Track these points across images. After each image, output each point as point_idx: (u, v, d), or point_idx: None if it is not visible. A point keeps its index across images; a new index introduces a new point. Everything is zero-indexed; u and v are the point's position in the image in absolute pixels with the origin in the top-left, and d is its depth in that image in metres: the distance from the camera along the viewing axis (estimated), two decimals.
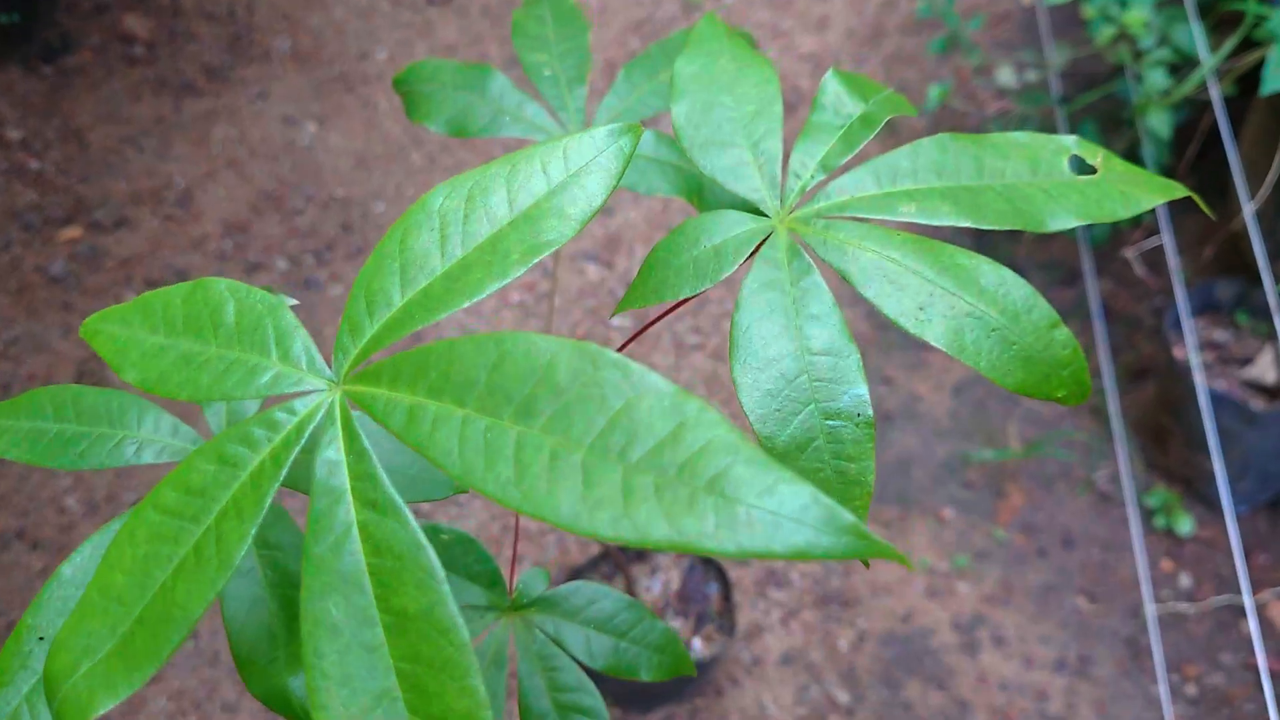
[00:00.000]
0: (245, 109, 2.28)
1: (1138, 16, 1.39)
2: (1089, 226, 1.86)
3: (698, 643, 1.49)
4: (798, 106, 2.20)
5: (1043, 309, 0.47)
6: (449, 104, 0.76)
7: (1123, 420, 1.74)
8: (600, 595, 0.63)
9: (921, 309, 0.46)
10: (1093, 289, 1.84)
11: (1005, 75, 1.85)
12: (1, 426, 0.54)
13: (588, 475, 0.35)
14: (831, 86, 0.53)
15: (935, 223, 0.49)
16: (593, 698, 0.61)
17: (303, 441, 0.41)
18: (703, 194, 0.72)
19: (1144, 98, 1.46)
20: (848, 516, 0.33)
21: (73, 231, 2.08)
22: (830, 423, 0.47)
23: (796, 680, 1.64)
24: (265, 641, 0.48)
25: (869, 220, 0.50)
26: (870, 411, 0.47)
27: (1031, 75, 1.83)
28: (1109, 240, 1.91)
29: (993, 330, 0.46)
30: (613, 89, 0.78)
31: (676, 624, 1.50)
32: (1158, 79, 1.44)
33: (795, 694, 1.62)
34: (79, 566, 0.50)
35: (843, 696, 1.62)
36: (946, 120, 2.13)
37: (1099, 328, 1.82)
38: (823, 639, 1.67)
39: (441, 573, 0.38)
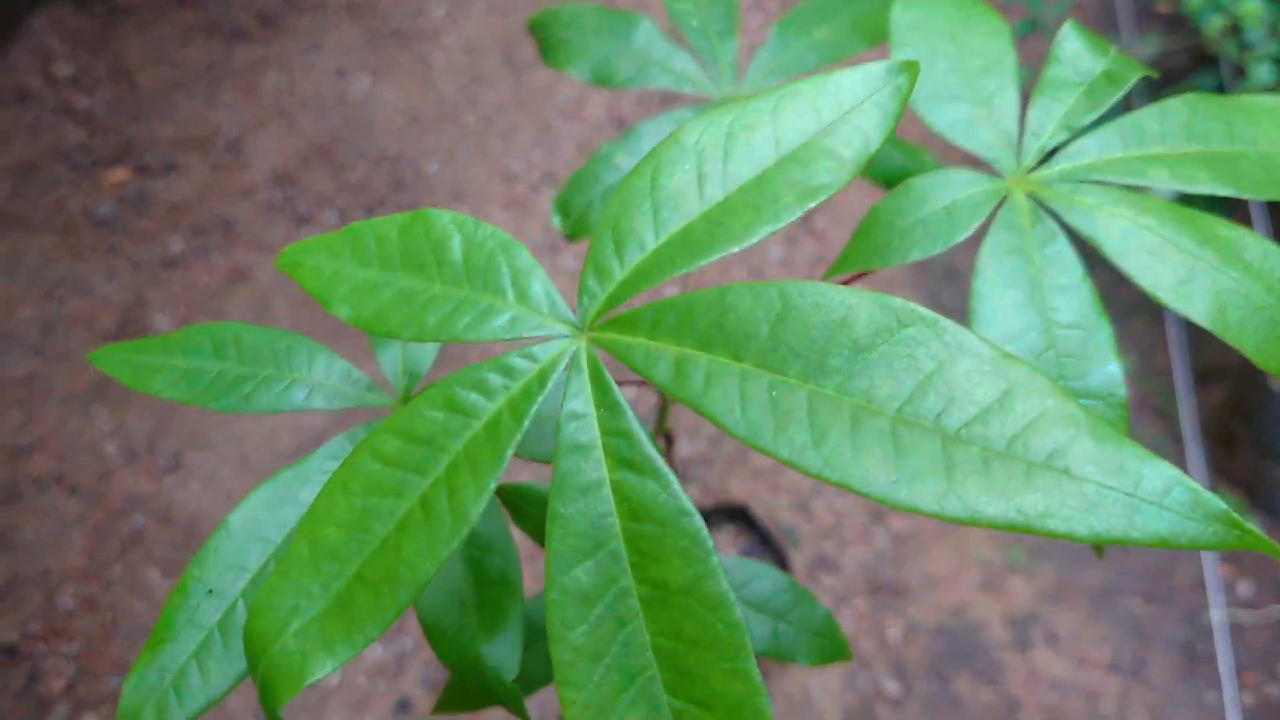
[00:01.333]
0: (297, 59, 2.23)
1: (1252, 8, 1.34)
2: None
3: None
4: None
5: None
6: (591, 51, 0.73)
7: (1194, 423, 1.70)
8: (758, 574, 0.60)
9: (1182, 283, 0.43)
10: None
11: None
12: (157, 364, 0.51)
13: (899, 443, 0.32)
14: (1069, 42, 0.50)
15: (1191, 190, 0.45)
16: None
17: (545, 392, 0.37)
18: (873, 162, 0.68)
19: (1247, 92, 1.42)
20: (1217, 503, 0.29)
21: (121, 174, 2.04)
22: (1081, 402, 0.44)
23: (845, 668, 1.61)
24: (455, 609, 0.45)
25: (1116, 184, 0.46)
26: (1124, 392, 0.44)
27: None
28: None
29: (1259, 309, 0.43)
30: (767, 44, 0.74)
31: None
32: (1264, 74, 1.39)
33: (843, 682, 1.60)
34: (248, 518, 0.46)
35: (891, 687, 1.59)
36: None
37: (1171, 327, 1.78)
38: (873, 628, 1.64)
39: (710, 543, 0.34)
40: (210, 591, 0.44)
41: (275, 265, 0.43)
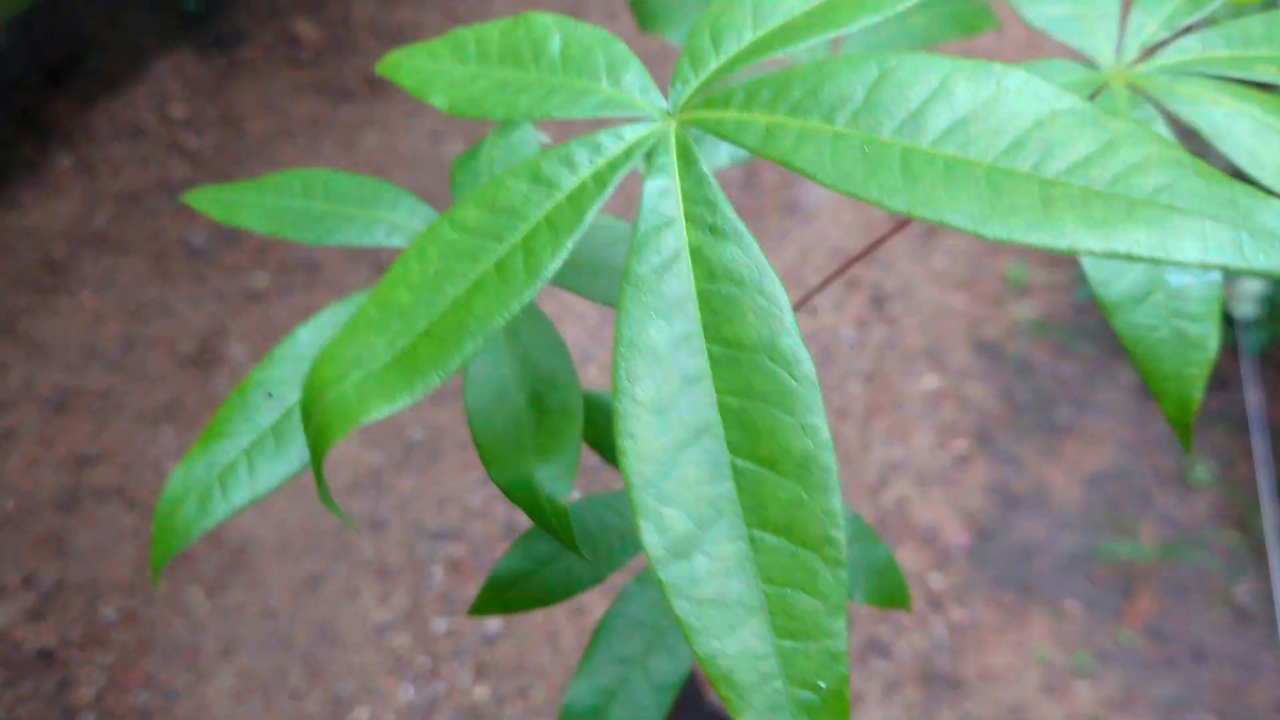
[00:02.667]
0: (397, 121, 2.32)
1: None
2: (1250, 332, 1.78)
3: None
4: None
5: None
6: (689, 15, 0.75)
7: (1278, 537, 1.63)
8: None
9: None
10: (1250, 399, 1.75)
11: None
12: (245, 201, 0.52)
13: (994, 184, 0.31)
14: None
15: None
16: None
17: (629, 164, 0.37)
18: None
19: None
20: None
21: None
22: (1173, 276, 0.42)
23: None
24: (511, 431, 0.44)
25: (1218, 77, 0.45)
26: (1220, 274, 0.42)
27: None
28: (1269, 350, 1.82)
29: None
30: None
31: None
32: None
33: None
34: (318, 329, 0.47)
35: None
36: None
37: (1256, 438, 1.73)
38: (924, 719, 1.56)
39: (788, 303, 0.33)
40: (270, 395, 0.44)
41: (376, 71, 0.44)
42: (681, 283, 0.35)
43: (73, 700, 1.63)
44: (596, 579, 0.56)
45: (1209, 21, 0.49)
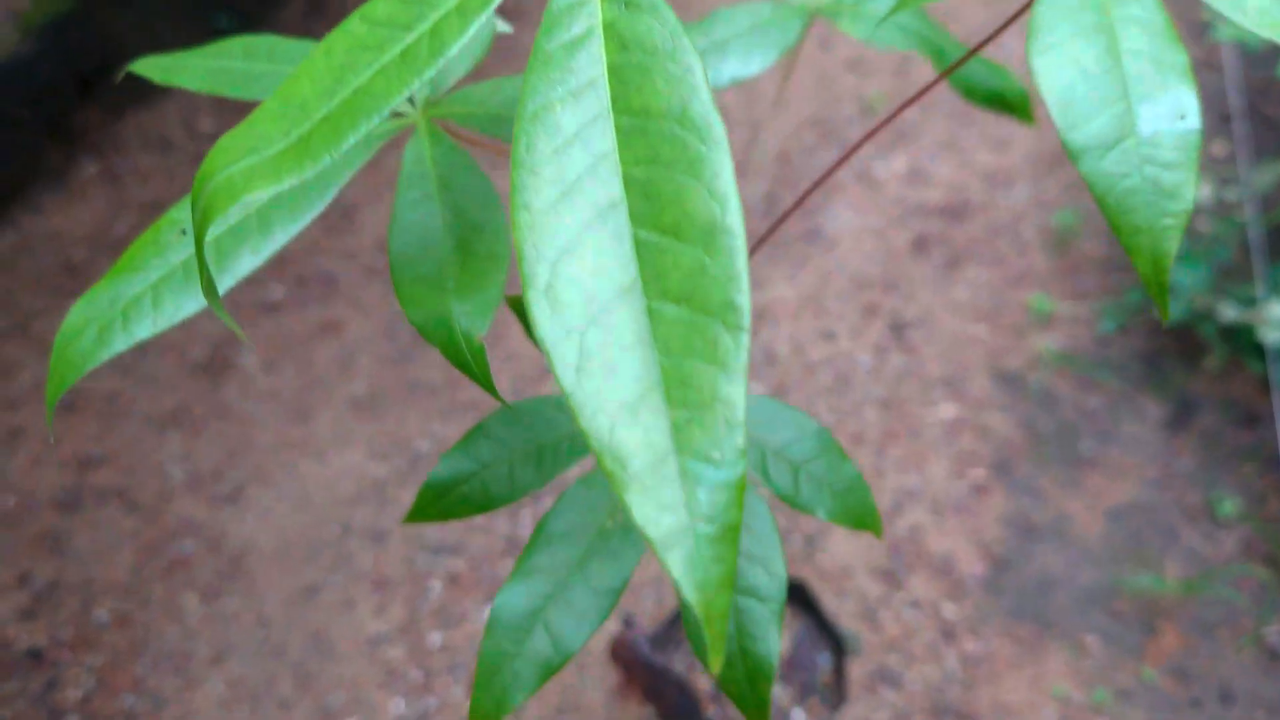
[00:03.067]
0: None
1: None
2: None
3: (799, 713, 1.34)
4: (963, 214, 2.14)
5: None
6: None
7: None
8: (781, 417, 0.54)
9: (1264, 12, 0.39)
10: None
11: (1202, 192, 1.77)
12: (186, 65, 0.50)
13: None
14: None
15: None
16: (764, 525, 0.51)
17: None
18: (944, 56, 0.66)
19: None
20: None
21: None
22: (1146, 123, 0.39)
23: None
24: (434, 273, 0.41)
25: None
26: (1198, 121, 0.39)
27: (1231, 194, 1.74)
28: None
29: None
30: None
31: (777, 690, 1.36)
32: None
33: None
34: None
35: None
36: None
37: None
38: None
39: (701, 70, 0.31)
40: (184, 232, 0.42)
41: None
42: (592, 59, 0.32)
43: (59, 701, 1.60)
44: (540, 482, 0.53)
45: None
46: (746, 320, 0.29)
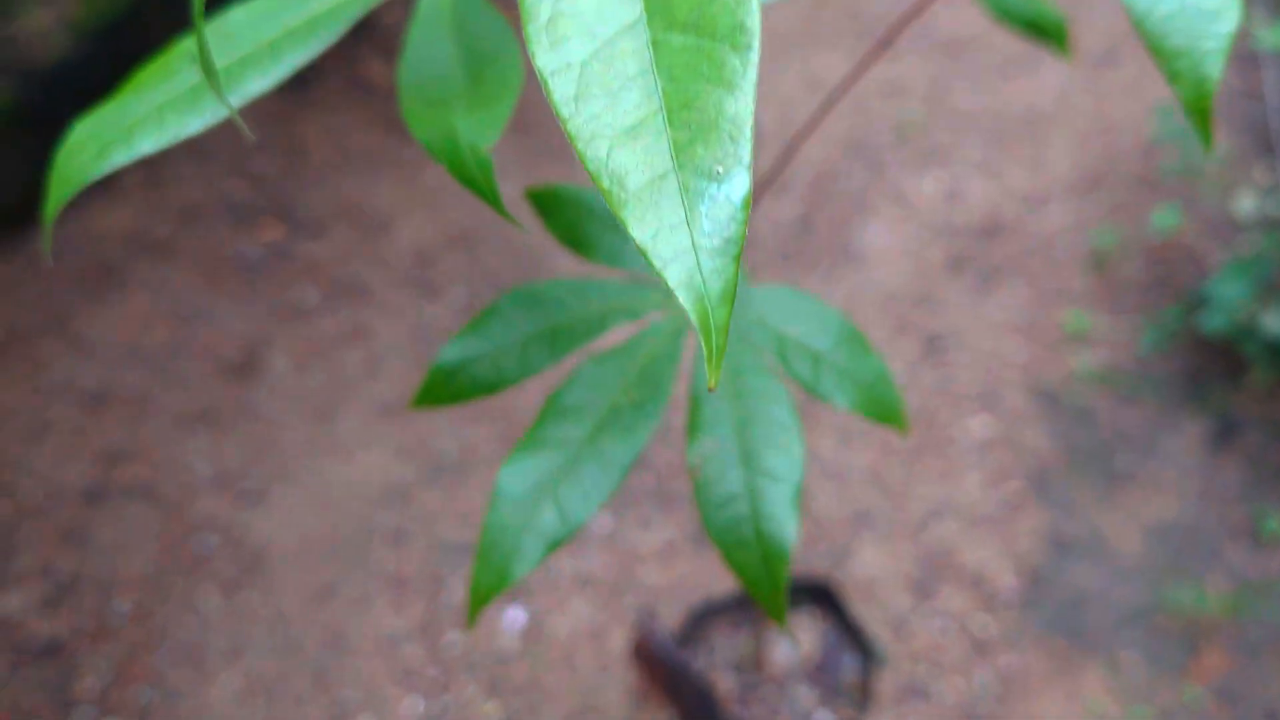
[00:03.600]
0: None
1: None
2: None
3: (823, 715, 1.29)
4: (1001, 233, 2.12)
5: None
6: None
7: None
8: (802, 307, 0.52)
9: None
10: None
11: (1245, 206, 1.74)
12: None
13: None
14: None
15: None
16: (781, 409, 0.49)
17: None
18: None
19: None
20: None
21: (274, 228, 2.16)
22: None
23: None
24: (441, 95, 0.40)
25: None
26: None
27: (1274, 208, 1.71)
28: None
29: None
30: None
31: (802, 691, 1.32)
32: None
33: None
34: (251, 13, 0.44)
35: None
36: (1176, 252, 2.01)
37: None
38: None
39: None
40: (193, 59, 0.41)
41: None
42: None
43: (76, 692, 1.58)
44: (553, 360, 0.51)
45: None
46: (756, 40, 0.27)
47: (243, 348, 1.98)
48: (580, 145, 0.27)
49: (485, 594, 0.48)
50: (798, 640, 1.36)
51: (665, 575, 1.65)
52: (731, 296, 0.26)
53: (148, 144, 0.41)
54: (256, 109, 2.30)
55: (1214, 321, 1.64)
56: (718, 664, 1.36)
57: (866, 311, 2.01)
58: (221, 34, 0.43)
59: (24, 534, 1.74)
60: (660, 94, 0.27)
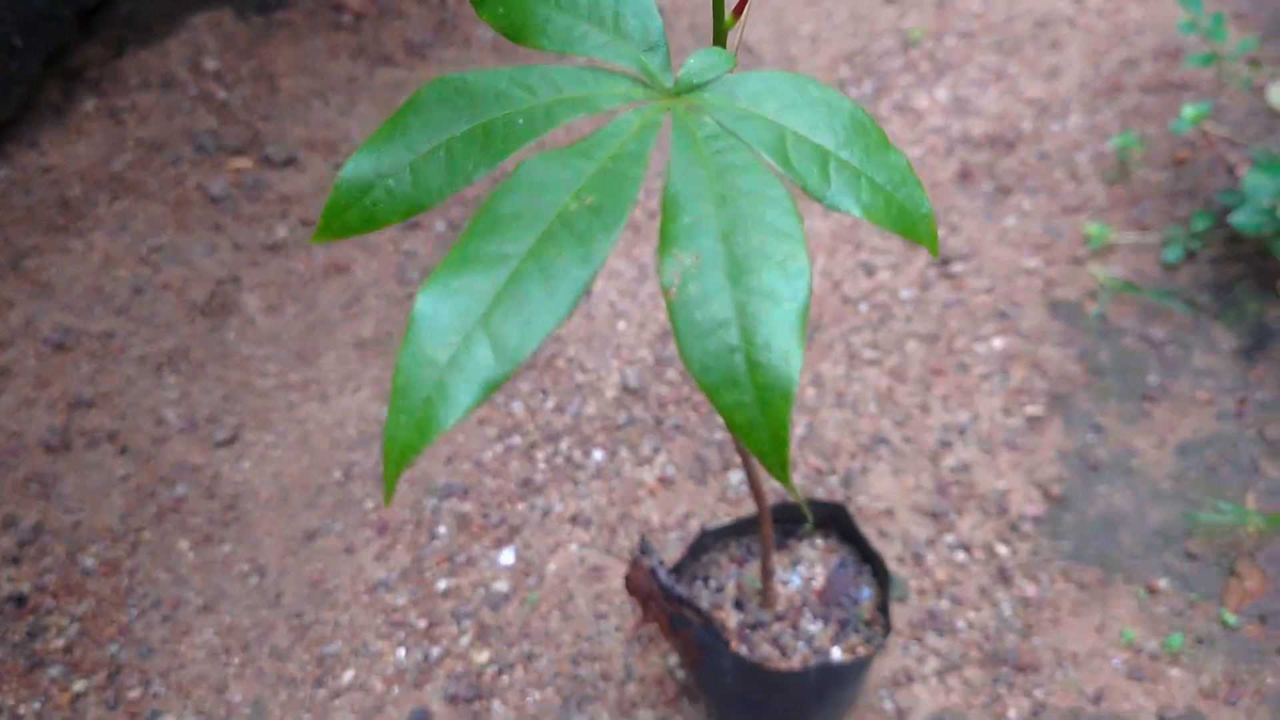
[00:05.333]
0: None
1: None
2: None
3: (837, 651, 1.19)
4: (1016, 144, 1.99)
5: None
6: None
7: None
8: (805, 95, 0.41)
9: None
10: None
11: (1277, 95, 1.61)
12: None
13: None
14: None
15: None
16: (780, 213, 0.38)
17: None
18: None
19: None
20: None
21: (242, 162, 2.03)
22: None
23: None
24: None
25: None
26: None
27: None
28: None
29: None
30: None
31: (814, 628, 1.22)
32: None
33: None
34: None
35: None
36: (1202, 156, 1.88)
37: None
38: (988, 705, 1.34)
39: None
40: None
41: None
42: None
43: (41, 649, 1.49)
44: (489, 164, 0.40)
45: None
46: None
47: (211, 287, 1.87)
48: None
49: (403, 453, 0.37)
50: (809, 573, 1.26)
51: (664, 512, 1.55)
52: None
53: None
54: (222, 35, 2.17)
55: (1246, 218, 1.51)
56: (721, 599, 1.25)
57: (874, 230, 1.89)
58: None
59: None
60: None
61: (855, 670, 1.18)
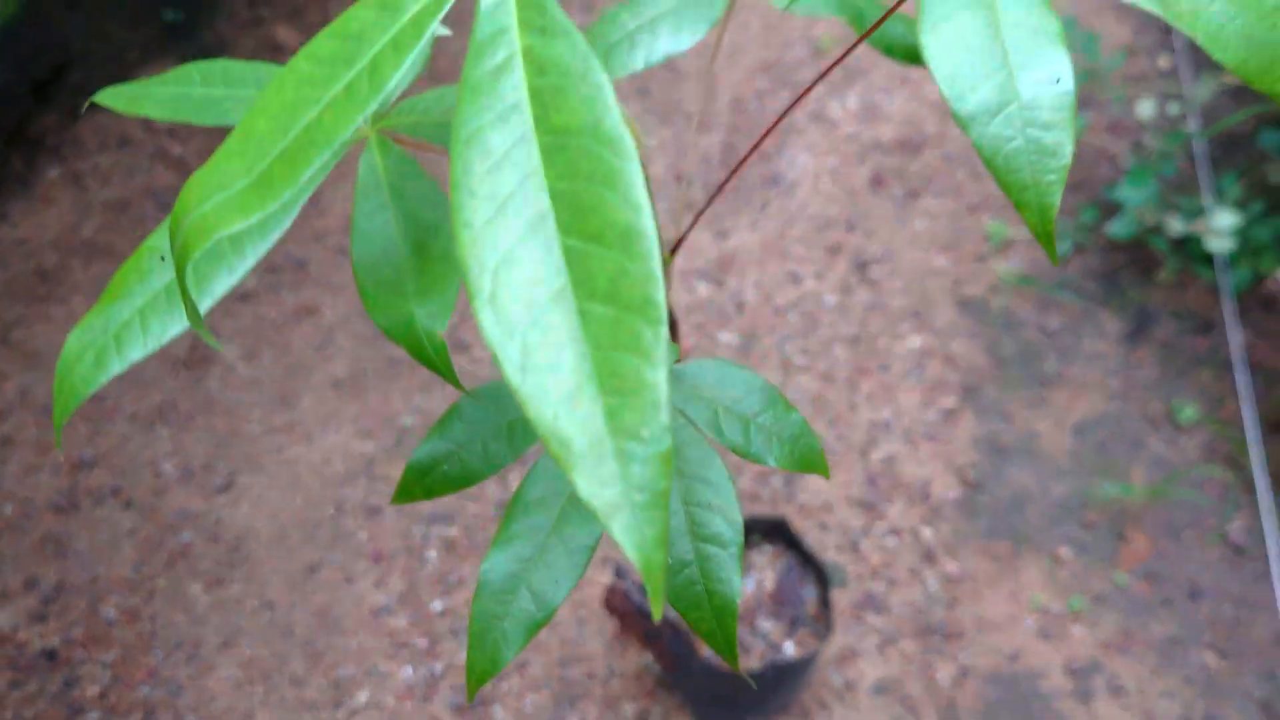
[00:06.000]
0: None
1: None
2: (1230, 271, 1.77)
3: (790, 645, 1.40)
4: (922, 147, 2.18)
5: None
6: None
7: (1265, 472, 1.62)
8: (730, 376, 0.59)
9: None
10: (1233, 338, 1.75)
11: (1146, 109, 1.81)
12: (148, 94, 0.53)
13: None
14: None
15: None
16: (720, 477, 0.56)
17: None
18: (863, 18, 0.69)
19: None
20: None
21: None
22: (1026, 88, 0.43)
23: (890, 712, 1.53)
24: (392, 276, 0.45)
25: None
26: (1072, 84, 0.43)
27: (1174, 109, 1.78)
28: (1250, 289, 1.81)
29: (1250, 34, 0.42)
30: None
31: (769, 626, 1.42)
32: None
33: None
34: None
35: None
36: (1088, 151, 2.08)
37: (1240, 377, 1.72)
38: (921, 671, 1.56)
39: (610, 89, 0.35)
40: (162, 259, 0.45)
41: None
42: (515, 82, 0.36)
43: (77, 698, 1.65)
44: (514, 455, 0.57)
45: None
46: (663, 314, 0.33)
47: (190, 341, 2.00)
48: (531, 411, 0.32)
49: (481, 677, 0.54)
50: (760, 578, 1.46)
51: None
52: (664, 541, 0.32)
53: (136, 352, 0.45)
54: None
55: (1123, 228, 1.72)
56: None
57: (798, 239, 2.07)
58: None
59: (2, 550, 1.77)
60: (591, 361, 0.33)
61: (806, 662, 1.39)
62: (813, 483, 1.75)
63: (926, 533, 1.69)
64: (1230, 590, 1.58)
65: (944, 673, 1.55)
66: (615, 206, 0.33)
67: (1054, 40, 0.44)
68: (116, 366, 0.45)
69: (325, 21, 2.61)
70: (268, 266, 2.10)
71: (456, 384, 0.45)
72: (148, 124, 2.24)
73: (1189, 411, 1.74)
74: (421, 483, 0.57)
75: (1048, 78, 0.43)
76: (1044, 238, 0.44)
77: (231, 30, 2.44)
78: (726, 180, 0.62)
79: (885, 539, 1.69)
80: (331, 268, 2.10)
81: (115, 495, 1.83)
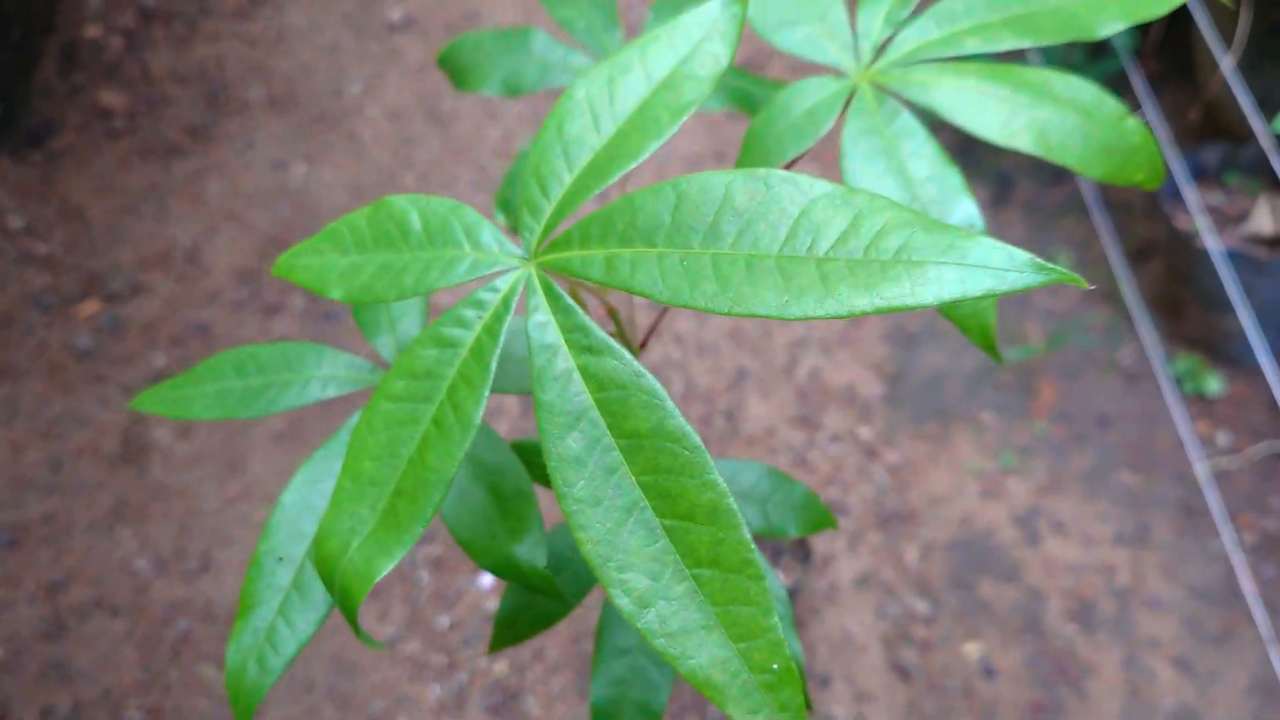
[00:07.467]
0: (234, 161, 2.32)
1: None
2: None
3: (781, 574, 1.54)
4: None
5: (1111, 104, 0.53)
6: (497, 67, 0.82)
7: (1138, 298, 1.80)
8: (740, 470, 0.69)
9: (1005, 124, 0.52)
10: (1086, 182, 1.91)
11: None
12: (190, 395, 0.59)
13: (785, 273, 0.40)
14: None
15: (999, 49, 0.54)
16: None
17: (510, 312, 0.46)
18: (752, 101, 0.78)
19: None
20: (1023, 254, 0.38)
21: (91, 306, 2.12)
22: None
23: (874, 599, 1.70)
24: (482, 524, 0.54)
25: (939, 59, 0.55)
26: (981, 223, 0.53)
27: None
28: None
29: (1072, 129, 0.52)
30: (646, 25, 0.84)
31: None
32: None
33: (875, 612, 1.68)
34: (297, 494, 0.55)
35: (921, 606, 1.68)
36: None
37: (1098, 218, 1.89)
38: (891, 556, 1.73)
39: (664, 392, 0.43)
40: (280, 559, 0.53)
41: (274, 273, 0.52)
42: (581, 398, 0.44)
43: None
44: (584, 592, 0.67)
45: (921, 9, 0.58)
46: (762, 572, 0.42)
47: (120, 436, 2.00)
48: (682, 670, 0.42)
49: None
50: None
51: None
52: None
53: (290, 647, 0.52)
54: (11, 184, 2.20)
55: None
56: None
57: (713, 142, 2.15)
58: (286, 521, 0.54)
59: (6, 689, 1.80)
60: (714, 615, 0.42)
61: (795, 592, 1.54)
62: (753, 411, 1.88)
63: (863, 431, 1.84)
64: (1132, 412, 1.78)
65: (910, 553, 1.72)
66: (697, 491, 0.42)
67: (960, 190, 0.53)
68: (279, 665, 0.53)
69: (145, 74, 2.53)
70: (171, 340, 2.10)
71: (560, 597, 0.54)
72: (3, 227, 2.18)
73: (1062, 259, 1.91)
74: (510, 633, 0.66)
75: (962, 223, 0.53)
76: (988, 348, 0.54)
77: (54, 108, 2.36)
78: None
79: (829, 447, 1.83)
80: (234, 325, 2.11)
81: (99, 606, 1.86)
